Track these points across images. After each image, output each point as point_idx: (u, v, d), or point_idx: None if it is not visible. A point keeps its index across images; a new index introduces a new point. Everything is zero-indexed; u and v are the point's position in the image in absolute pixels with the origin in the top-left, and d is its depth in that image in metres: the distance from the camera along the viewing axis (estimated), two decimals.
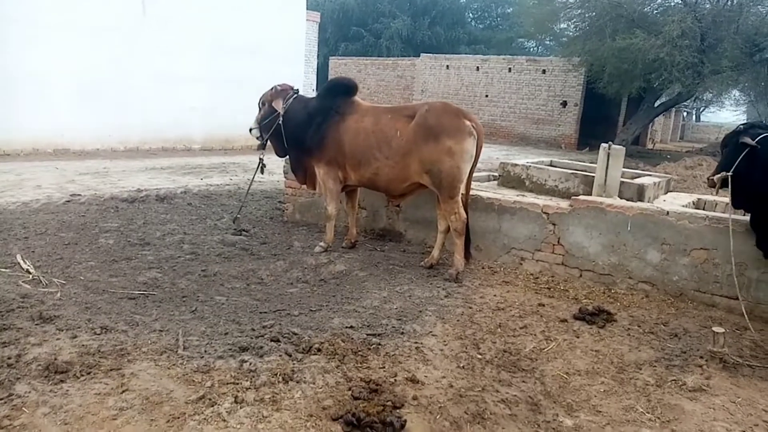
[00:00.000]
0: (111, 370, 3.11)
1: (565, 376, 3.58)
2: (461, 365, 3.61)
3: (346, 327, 4.01)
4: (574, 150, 21.45)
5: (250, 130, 5.79)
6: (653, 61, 16.69)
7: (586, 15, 19.70)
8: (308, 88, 19.48)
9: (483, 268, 5.45)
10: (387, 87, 27.78)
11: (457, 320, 4.27)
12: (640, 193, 8.41)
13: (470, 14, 46.06)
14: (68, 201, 7.14)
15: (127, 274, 4.79)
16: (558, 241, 5.19)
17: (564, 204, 5.19)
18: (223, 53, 13.43)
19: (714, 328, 3.78)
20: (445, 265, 5.44)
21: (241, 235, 6.10)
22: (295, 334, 3.81)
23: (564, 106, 22.18)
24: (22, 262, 4.79)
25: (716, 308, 4.63)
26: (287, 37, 14.92)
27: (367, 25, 38.59)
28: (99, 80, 11.62)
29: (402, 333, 3.97)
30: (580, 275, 5.15)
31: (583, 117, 22.17)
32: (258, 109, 5.73)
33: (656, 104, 20.66)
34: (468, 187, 5.06)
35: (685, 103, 26.12)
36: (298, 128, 5.47)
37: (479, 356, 3.74)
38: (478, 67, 24.09)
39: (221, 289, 4.63)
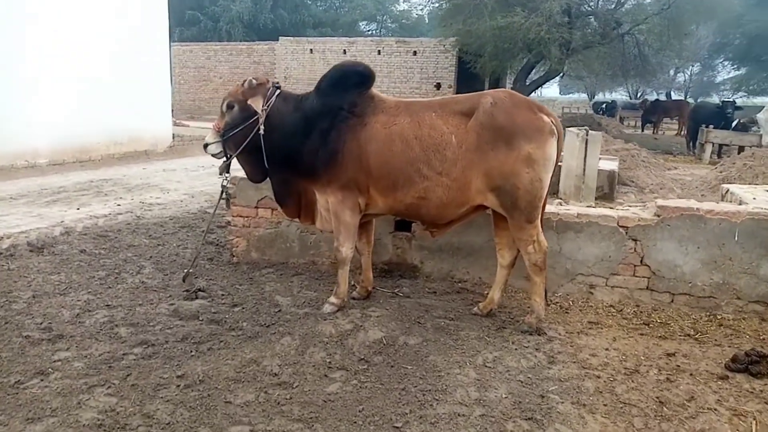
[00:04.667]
0: None
1: None
2: None
3: None
4: None
5: (206, 146, 3.91)
6: (532, 39, 16.60)
7: None
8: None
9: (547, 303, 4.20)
10: (243, 74, 24.72)
11: (603, 404, 3.00)
12: (611, 180, 7.76)
13: None
14: None
15: (57, 409, 2.81)
16: (641, 261, 4.12)
17: (647, 214, 4.11)
18: (67, 38, 10.52)
19: None
20: (506, 311, 4.13)
21: (197, 297, 4.20)
22: None
23: (438, 89, 21.69)
24: None
25: None
26: (149, 16, 12.27)
27: (204, 8, 35.41)
28: None
29: None
30: (672, 300, 4.13)
31: None
32: (220, 114, 3.86)
33: (527, 82, 20.92)
34: (545, 205, 3.75)
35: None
36: (288, 139, 3.75)
37: None
38: (345, 51, 22.69)
39: (231, 411, 2.87)
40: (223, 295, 4.33)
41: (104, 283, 4.53)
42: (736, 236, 3.91)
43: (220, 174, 4.01)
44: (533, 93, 20.87)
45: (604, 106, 31.21)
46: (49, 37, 10.21)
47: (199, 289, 4.28)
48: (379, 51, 22.14)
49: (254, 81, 3.78)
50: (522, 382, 3.18)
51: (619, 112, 30.74)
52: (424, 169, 3.56)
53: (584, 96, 46.92)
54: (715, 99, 39.96)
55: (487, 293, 4.29)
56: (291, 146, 3.75)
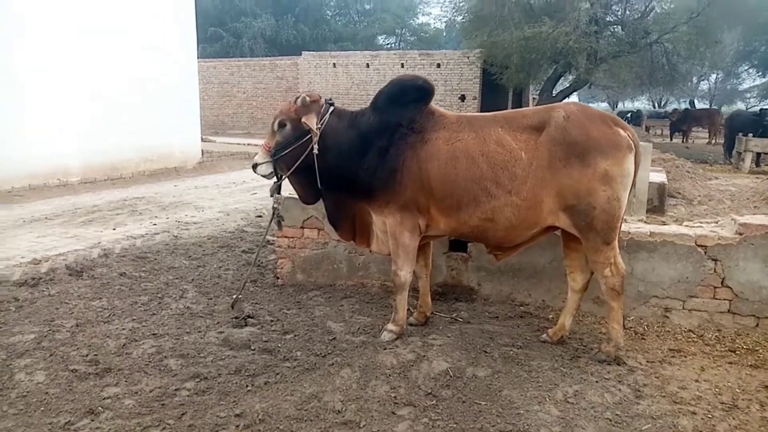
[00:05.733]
0: None
1: None
2: None
3: None
4: None
5: (255, 166, 3.72)
6: (560, 49, 16.35)
7: (482, 5, 19.03)
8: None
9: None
10: (266, 90, 25.37)
11: None
12: (661, 193, 7.45)
13: (329, 11, 44.78)
14: None
15: None
16: (722, 283, 3.82)
17: (727, 232, 3.82)
18: (100, 54, 10.48)
19: None
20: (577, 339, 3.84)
21: (247, 325, 4.00)
22: None
23: (462, 101, 21.48)
24: None
25: None
26: (178, 33, 12.24)
27: (226, 24, 35.77)
28: None
29: None
30: (757, 325, 3.82)
31: (481, 110, 21.64)
32: (270, 133, 3.68)
33: (554, 93, 20.62)
34: (620, 224, 3.48)
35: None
36: (344, 158, 3.55)
37: None
38: (368, 64, 22.60)
39: None
40: (272, 321, 4.12)
41: (148, 309, 4.34)
42: None
43: (271, 195, 3.81)
44: None
45: (629, 115, 30.70)
46: (80, 55, 10.20)
47: (249, 316, 4.07)
48: (402, 64, 22.01)
49: (307, 98, 3.59)
50: (611, 421, 2.90)
51: (645, 121, 30.24)
52: (491, 187, 3.32)
53: (605, 105, 46.32)
54: (741, 107, 39.16)
55: (553, 318, 4.04)
56: (346, 165, 3.54)
